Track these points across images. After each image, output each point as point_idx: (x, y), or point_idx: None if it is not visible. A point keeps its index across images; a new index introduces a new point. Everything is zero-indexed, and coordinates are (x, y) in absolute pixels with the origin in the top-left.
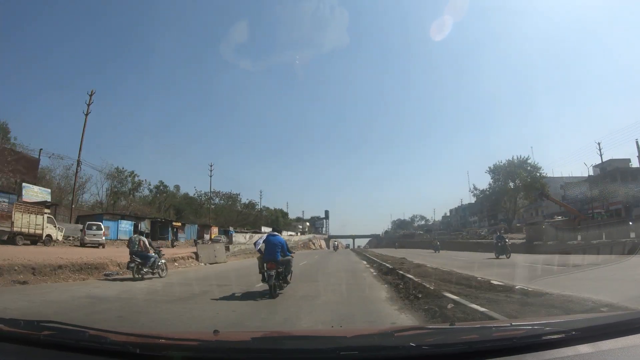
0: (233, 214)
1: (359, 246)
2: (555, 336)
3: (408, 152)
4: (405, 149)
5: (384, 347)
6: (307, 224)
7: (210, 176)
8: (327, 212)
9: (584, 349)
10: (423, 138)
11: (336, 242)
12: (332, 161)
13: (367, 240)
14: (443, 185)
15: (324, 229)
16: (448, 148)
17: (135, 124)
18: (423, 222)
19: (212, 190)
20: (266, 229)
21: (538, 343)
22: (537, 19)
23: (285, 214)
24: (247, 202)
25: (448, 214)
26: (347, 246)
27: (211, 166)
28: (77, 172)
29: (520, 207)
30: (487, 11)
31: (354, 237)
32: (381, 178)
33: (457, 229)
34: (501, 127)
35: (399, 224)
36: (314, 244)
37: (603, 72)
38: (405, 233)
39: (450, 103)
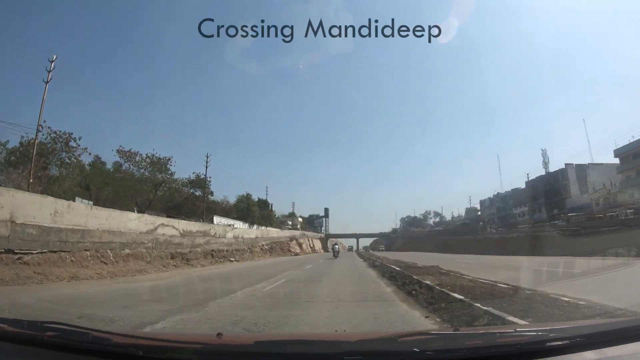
0: (145, 190)
1: (364, 247)
2: (560, 342)
3: (412, 149)
4: (409, 145)
5: (388, 352)
6: (300, 219)
7: (48, 80)
8: (326, 210)
9: (588, 355)
10: (428, 134)
11: (337, 245)
12: (332, 160)
13: (371, 240)
14: (451, 182)
15: (323, 228)
16: (454, 144)
17: (139, 118)
18: (438, 219)
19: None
20: (222, 220)
21: (542, 349)
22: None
23: (264, 203)
24: (192, 176)
25: (473, 206)
26: (350, 248)
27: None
28: None
29: None
30: (490, 13)
31: (357, 236)
32: (384, 176)
33: (495, 223)
34: (506, 122)
35: (410, 222)
36: (300, 246)
37: (609, 72)
38: (453, 227)
39: (451, 100)
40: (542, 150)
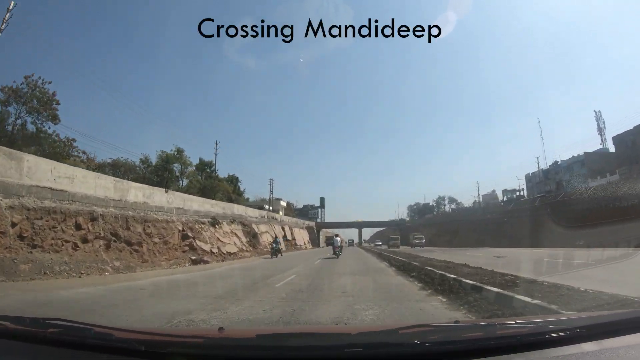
0: None
1: (364, 241)
2: (560, 334)
3: (412, 140)
4: (410, 136)
5: (388, 344)
6: (284, 204)
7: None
8: (322, 200)
9: (588, 346)
10: (429, 127)
11: (338, 237)
12: (330, 153)
13: (375, 230)
14: (455, 171)
15: (318, 220)
16: (457, 135)
17: (139, 115)
18: (454, 205)
19: None
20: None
21: (542, 341)
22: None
23: (208, 165)
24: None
25: (490, 192)
26: (351, 242)
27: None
28: None
29: None
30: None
31: (360, 225)
32: (384, 167)
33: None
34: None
35: (420, 209)
36: (251, 239)
37: (606, 64)
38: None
39: (451, 92)
40: (596, 112)
